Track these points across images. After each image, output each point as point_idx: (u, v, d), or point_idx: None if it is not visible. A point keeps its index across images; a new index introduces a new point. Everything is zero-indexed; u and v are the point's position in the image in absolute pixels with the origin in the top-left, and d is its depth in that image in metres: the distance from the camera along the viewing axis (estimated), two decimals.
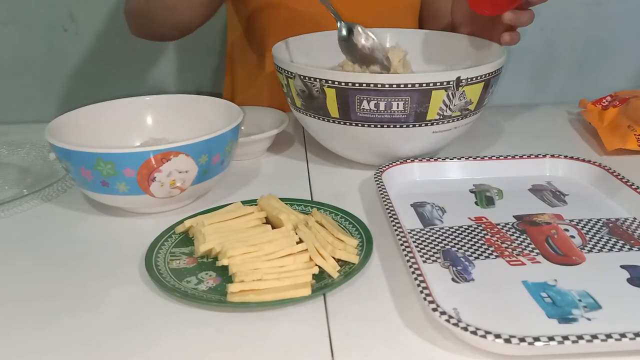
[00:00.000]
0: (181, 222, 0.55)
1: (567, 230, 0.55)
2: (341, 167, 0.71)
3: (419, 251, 0.51)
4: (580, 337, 0.38)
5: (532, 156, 0.67)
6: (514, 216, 0.57)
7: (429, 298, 0.41)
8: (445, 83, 0.60)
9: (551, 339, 0.37)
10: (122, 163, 0.53)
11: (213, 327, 0.43)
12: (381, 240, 0.53)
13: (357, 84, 0.60)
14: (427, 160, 0.66)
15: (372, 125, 0.62)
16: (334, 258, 0.48)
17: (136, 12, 0.79)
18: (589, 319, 0.42)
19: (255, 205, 0.56)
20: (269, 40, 0.93)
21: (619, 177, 0.61)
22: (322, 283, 0.46)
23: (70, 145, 0.54)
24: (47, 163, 0.71)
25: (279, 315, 0.44)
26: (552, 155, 0.67)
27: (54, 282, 0.49)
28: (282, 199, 0.57)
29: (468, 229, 0.55)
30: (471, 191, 0.63)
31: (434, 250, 0.51)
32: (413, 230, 0.55)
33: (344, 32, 0.72)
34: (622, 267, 0.48)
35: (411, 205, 0.60)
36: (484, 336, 0.38)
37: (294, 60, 0.76)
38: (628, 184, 0.59)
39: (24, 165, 0.72)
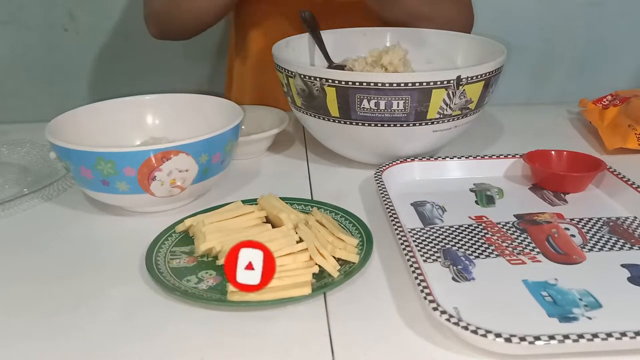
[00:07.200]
0: (181, 221, 0.55)
1: (567, 229, 0.55)
2: (341, 167, 0.71)
3: (419, 250, 0.51)
4: (580, 336, 0.37)
5: None
6: (514, 215, 0.57)
7: (429, 297, 0.41)
8: (445, 82, 0.60)
9: (552, 338, 0.37)
10: (122, 162, 0.53)
11: (213, 326, 0.43)
12: (381, 239, 0.53)
13: (357, 83, 0.59)
14: (427, 159, 0.66)
15: (372, 125, 0.62)
16: (334, 257, 0.48)
17: (158, 11, 0.84)
18: (589, 318, 0.42)
19: (256, 204, 0.56)
20: (264, 39, 0.93)
21: (619, 176, 0.61)
22: (322, 282, 0.46)
23: (70, 144, 0.54)
24: (47, 162, 0.71)
25: (279, 314, 0.44)
26: None
27: (54, 281, 0.49)
28: (282, 198, 0.57)
29: (468, 228, 0.55)
30: (471, 190, 0.63)
31: (435, 250, 0.51)
32: (413, 229, 0.55)
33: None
34: (623, 266, 0.48)
35: (411, 204, 0.60)
36: (484, 335, 0.38)
37: (295, 60, 0.76)
38: (629, 183, 0.59)
39: (24, 165, 0.72)
